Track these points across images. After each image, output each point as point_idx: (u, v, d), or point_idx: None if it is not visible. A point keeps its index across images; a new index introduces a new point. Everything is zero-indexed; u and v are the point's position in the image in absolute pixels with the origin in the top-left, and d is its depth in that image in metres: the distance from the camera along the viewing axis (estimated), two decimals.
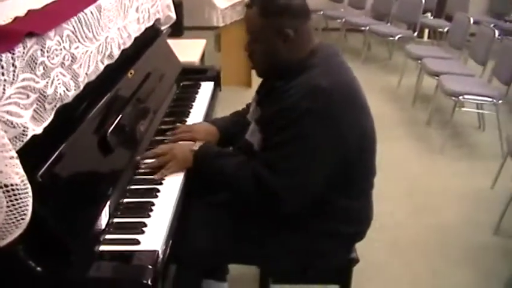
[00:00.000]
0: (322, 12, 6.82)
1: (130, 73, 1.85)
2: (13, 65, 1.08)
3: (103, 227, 1.40)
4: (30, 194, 1.02)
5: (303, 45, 1.65)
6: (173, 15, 2.55)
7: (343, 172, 1.63)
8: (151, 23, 2.26)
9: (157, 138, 1.96)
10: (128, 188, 1.62)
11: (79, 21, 1.45)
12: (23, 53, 1.13)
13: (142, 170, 1.73)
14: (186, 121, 2.16)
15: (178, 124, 2.07)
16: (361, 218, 1.80)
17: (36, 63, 1.18)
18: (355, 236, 1.82)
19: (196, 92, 2.48)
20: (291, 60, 1.64)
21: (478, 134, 4.51)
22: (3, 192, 0.97)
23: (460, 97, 4.00)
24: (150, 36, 2.28)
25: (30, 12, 1.39)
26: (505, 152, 3.84)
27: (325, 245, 1.75)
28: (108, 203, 1.45)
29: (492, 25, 4.97)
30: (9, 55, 1.07)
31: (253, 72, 5.17)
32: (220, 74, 2.69)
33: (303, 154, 1.55)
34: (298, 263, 1.81)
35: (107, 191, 1.48)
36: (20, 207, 0.99)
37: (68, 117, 1.40)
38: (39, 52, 1.20)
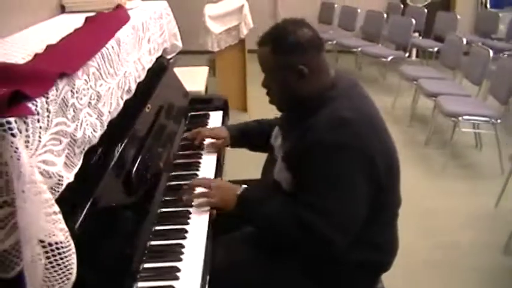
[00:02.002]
0: None
1: (148, 107, 1.78)
2: (47, 109, 1.01)
3: (135, 274, 1.31)
4: (74, 250, 0.94)
5: (319, 78, 1.63)
6: (179, 44, 2.50)
7: (375, 201, 1.59)
8: (160, 53, 2.20)
9: (174, 173, 1.88)
10: (154, 229, 1.54)
11: (102, 57, 1.38)
12: (56, 96, 1.06)
13: (165, 209, 1.65)
14: (201, 155, 2.08)
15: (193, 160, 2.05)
16: (388, 247, 1.76)
17: (67, 106, 1.11)
18: (382, 266, 1.77)
19: (207, 123, 2.42)
20: (310, 93, 1.61)
21: (476, 154, 4.52)
22: (48, 252, 0.88)
23: (460, 118, 4.00)
24: (158, 67, 2.22)
25: (49, 47, 1.32)
26: (505, 170, 3.85)
27: (354, 276, 1.70)
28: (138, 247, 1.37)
29: (480, 43, 5.02)
30: (44, 99, 1.00)
31: (249, 96, 5.14)
32: (228, 103, 2.63)
33: (339, 189, 1.51)
34: None
35: (136, 235, 1.40)
36: (65, 266, 0.91)
37: (92, 159, 1.32)
38: (69, 93, 1.13)
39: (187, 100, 2.51)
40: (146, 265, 1.40)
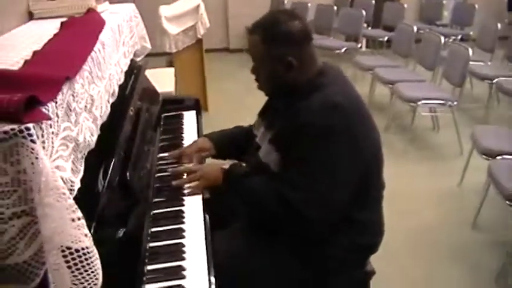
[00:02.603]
0: None
1: (131, 110, 1.76)
2: (57, 114, 0.99)
3: (141, 277, 1.30)
4: (97, 255, 0.93)
5: (308, 68, 1.67)
6: (148, 46, 2.48)
7: (361, 184, 1.64)
8: (132, 56, 2.18)
9: (160, 175, 1.88)
10: (150, 231, 1.53)
11: (93, 61, 1.36)
12: (62, 100, 1.04)
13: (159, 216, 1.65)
14: None
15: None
16: (376, 229, 1.81)
17: (71, 110, 1.09)
18: (371, 248, 1.82)
19: (182, 123, 2.41)
20: (299, 82, 1.65)
21: (434, 136, 4.68)
22: (75, 258, 0.87)
23: (418, 102, 4.13)
24: (131, 69, 2.19)
25: (37, 53, 1.29)
26: (464, 150, 4.02)
27: (344, 259, 1.74)
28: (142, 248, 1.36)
29: (427, 30, 5.20)
30: (54, 104, 0.98)
31: (209, 96, 5.12)
32: (200, 102, 2.63)
33: (324, 169, 1.55)
34: (318, 279, 1.77)
35: (139, 237, 1.39)
36: (93, 271, 0.90)
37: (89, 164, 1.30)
38: (71, 98, 1.11)
39: (159, 101, 2.48)
40: (150, 267, 1.39)
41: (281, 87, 1.68)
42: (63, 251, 0.86)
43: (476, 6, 6.57)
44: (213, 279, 1.38)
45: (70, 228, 0.87)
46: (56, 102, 0.99)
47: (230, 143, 2.07)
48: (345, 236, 1.70)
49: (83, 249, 0.88)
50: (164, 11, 4.41)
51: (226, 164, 1.80)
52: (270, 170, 1.69)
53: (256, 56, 1.68)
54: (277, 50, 1.60)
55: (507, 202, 2.61)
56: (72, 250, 0.87)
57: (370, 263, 1.88)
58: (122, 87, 1.87)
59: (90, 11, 1.88)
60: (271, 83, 1.70)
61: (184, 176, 1.81)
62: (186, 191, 1.75)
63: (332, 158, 1.55)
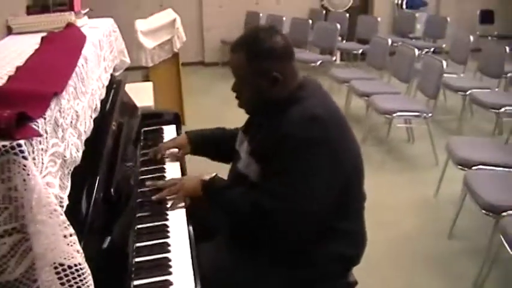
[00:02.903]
0: None
1: (114, 125, 1.76)
2: (46, 130, 0.98)
3: None
4: (89, 271, 0.92)
5: (290, 82, 1.69)
6: (127, 60, 2.48)
7: (342, 195, 1.66)
8: (112, 70, 2.17)
9: (143, 190, 1.86)
10: (136, 246, 1.52)
11: (77, 76, 1.35)
12: (50, 116, 1.03)
13: (143, 225, 1.64)
14: (164, 168, 2.07)
15: (158, 174, 2.03)
16: (358, 240, 1.82)
17: (58, 126, 1.09)
18: (353, 259, 1.84)
19: (162, 138, 2.41)
20: (281, 96, 1.67)
21: (410, 147, 4.76)
22: (68, 275, 0.86)
23: (394, 114, 4.20)
24: (110, 84, 2.18)
25: (21, 69, 1.28)
26: (439, 161, 4.09)
27: (328, 270, 1.76)
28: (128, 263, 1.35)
29: (400, 43, 5.30)
30: (43, 120, 0.97)
31: (186, 110, 5.10)
32: (179, 116, 2.63)
33: (304, 181, 1.57)
34: None
35: (125, 253, 1.38)
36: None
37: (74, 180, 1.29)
38: (58, 114, 1.10)
39: (139, 116, 2.47)
40: (136, 282, 1.37)
41: (265, 103, 1.69)
42: (55, 267, 0.85)
43: (449, 19, 6.73)
44: (198, 281, 1.38)
45: (63, 245, 0.86)
46: (45, 118, 0.99)
47: (208, 143, 2.11)
48: (327, 247, 1.71)
49: (75, 265, 0.88)
50: (140, 25, 4.41)
51: (207, 175, 1.80)
52: (249, 180, 1.70)
53: (239, 73, 1.69)
54: (262, 66, 1.62)
55: (483, 211, 2.66)
56: (65, 266, 0.86)
57: (352, 274, 1.89)
58: (103, 102, 1.86)
59: (70, 25, 1.87)
60: (255, 100, 1.71)
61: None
62: (167, 205, 1.76)
63: (312, 169, 1.57)
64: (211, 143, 2.11)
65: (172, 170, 2.04)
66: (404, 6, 7.99)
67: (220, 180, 1.83)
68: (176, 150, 2.12)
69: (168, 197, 1.78)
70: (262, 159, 1.66)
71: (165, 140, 2.32)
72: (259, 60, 1.61)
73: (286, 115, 1.60)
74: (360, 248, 1.83)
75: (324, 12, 7.67)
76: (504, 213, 2.54)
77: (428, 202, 3.72)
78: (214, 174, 1.80)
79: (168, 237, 1.61)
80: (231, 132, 2.04)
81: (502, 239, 2.38)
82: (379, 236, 3.15)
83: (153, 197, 1.77)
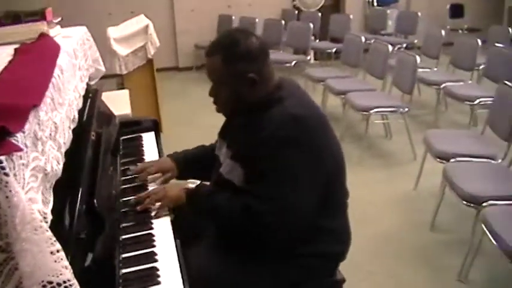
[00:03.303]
0: None
1: (93, 135, 1.73)
2: (26, 145, 0.95)
3: None
4: (79, 287, 0.90)
5: (267, 83, 1.69)
6: (102, 68, 2.44)
7: (325, 193, 1.67)
8: (87, 80, 2.13)
9: (125, 199, 1.84)
10: (122, 257, 1.50)
11: (53, 87, 1.32)
12: (29, 129, 1.00)
13: (127, 235, 1.61)
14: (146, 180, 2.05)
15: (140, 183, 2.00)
16: (343, 237, 1.84)
17: (37, 139, 1.06)
18: (339, 256, 1.85)
19: (142, 145, 2.38)
20: (259, 98, 1.67)
21: (387, 143, 4.80)
22: None
23: (371, 111, 4.23)
24: (87, 93, 2.14)
25: None
26: (417, 155, 4.13)
27: (313, 268, 1.76)
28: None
29: (373, 40, 5.35)
30: (22, 134, 0.95)
31: (163, 116, 5.04)
32: (158, 123, 2.60)
33: (285, 180, 1.58)
34: None
35: (111, 265, 1.35)
36: None
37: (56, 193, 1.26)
38: (37, 126, 1.08)
39: (117, 124, 2.44)
40: None
41: (243, 105, 1.69)
42: (44, 286, 0.83)
43: (419, 14, 6.81)
44: None
45: (50, 262, 0.84)
46: (24, 132, 0.96)
47: (193, 163, 2.05)
48: (313, 245, 1.72)
49: (64, 282, 0.85)
50: (112, 32, 4.35)
51: (189, 183, 1.80)
52: (234, 186, 1.69)
53: (216, 77, 1.68)
54: (239, 69, 1.62)
55: (464, 203, 2.69)
56: (54, 284, 0.84)
57: (339, 271, 1.90)
58: (81, 112, 1.83)
59: (43, 35, 1.83)
60: (233, 103, 1.71)
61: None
62: (152, 214, 1.74)
63: (294, 168, 1.58)
64: (197, 163, 2.05)
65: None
66: (375, 4, 8.07)
67: (204, 187, 1.83)
68: (159, 174, 2.01)
69: (152, 207, 1.77)
70: (244, 162, 1.66)
71: (145, 158, 2.25)
72: (235, 63, 1.61)
73: (267, 116, 1.60)
74: (345, 245, 1.84)
75: (296, 12, 7.70)
76: (485, 204, 2.58)
77: (409, 196, 3.76)
78: (198, 182, 1.80)
79: (154, 246, 1.59)
80: (213, 147, 2.01)
81: (484, 228, 2.41)
82: (361, 232, 3.15)
83: (138, 207, 1.75)
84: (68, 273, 0.86)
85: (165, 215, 1.75)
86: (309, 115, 1.63)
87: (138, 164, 2.09)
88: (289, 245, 1.67)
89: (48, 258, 0.83)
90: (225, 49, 1.64)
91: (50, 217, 1.03)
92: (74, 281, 0.88)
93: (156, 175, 2.00)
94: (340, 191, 1.79)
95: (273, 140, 1.57)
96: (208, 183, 1.89)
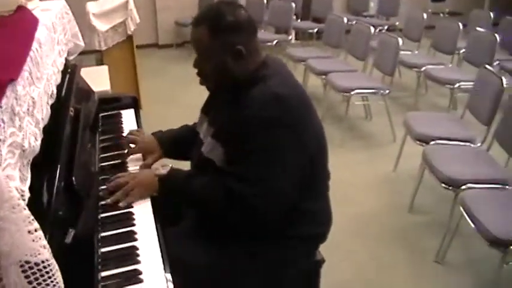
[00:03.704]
0: None
1: (71, 111, 1.68)
2: (3, 120, 0.92)
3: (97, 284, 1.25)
4: (57, 267, 0.87)
5: (254, 58, 1.65)
6: (81, 43, 2.38)
7: (307, 175, 1.66)
8: (66, 54, 2.08)
9: (103, 177, 1.81)
10: (101, 235, 1.47)
11: (31, 61, 1.28)
12: (7, 104, 0.96)
13: (106, 213, 1.59)
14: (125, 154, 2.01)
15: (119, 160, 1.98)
16: (324, 218, 1.84)
17: (15, 114, 1.02)
18: (320, 237, 1.85)
19: (121, 122, 2.34)
20: (244, 73, 1.63)
21: (368, 124, 4.82)
22: (35, 272, 0.81)
23: (352, 92, 4.22)
24: (65, 69, 2.09)
25: None
26: (397, 137, 4.16)
27: (295, 250, 1.76)
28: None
29: (354, 22, 5.33)
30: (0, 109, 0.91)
31: (142, 93, 4.97)
32: (138, 99, 2.56)
33: (270, 161, 1.56)
34: (269, 271, 1.78)
35: (91, 244, 1.33)
36: (54, 285, 0.84)
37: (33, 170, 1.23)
38: (15, 101, 1.04)
39: (96, 101, 2.39)
40: (104, 273, 1.33)
41: (227, 79, 1.65)
42: (22, 265, 0.80)
43: None
44: (168, 276, 1.35)
45: (28, 241, 0.81)
46: (1, 107, 0.92)
47: (179, 143, 2.00)
48: (294, 227, 1.71)
49: (42, 262, 0.83)
50: (92, 7, 4.26)
51: (161, 168, 1.73)
52: (215, 165, 1.66)
53: (202, 48, 1.63)
54: (226, 39, 1.57)
55: (443, 185, 2.72)
56: (32, 264, 0.81)
57: (319, 252, 1.90)
58: (59, 88, 1.78)
59: (21, 8, 1.77)
60: (218, 76, 1.66)
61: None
62: (121, 204, 1.65)
63: (277, 149, 1.56)
64: (183, 143, 1.99)
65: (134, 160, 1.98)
66: None
67: (178, 171, 1.75)
68: (139, 155, 1.97)
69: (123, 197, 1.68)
70: (225, 141, 1.63)
71: (124, 133, 2.19)
72: (222, 33, 1.57)
73: (250, 95, 1.57)
74: (326, 226, 1.84)
75: None
76: (463, 187, 2.61)
77: (389, 178, 3.79)
78: (170, 167, 1.74)
79: (133, 225, 1.56)
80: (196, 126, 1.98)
81: (463, 211, 2.44)
82: (341, 213, 3.15)
83: (108, 200, 1.66)
84: (46, 253, 0.84)
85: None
86: (292, 95, 1.60)
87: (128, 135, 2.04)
88: (271, 227, 1.65)
89: (26, 238, 0.81)
90: (212, 19, 1.59)
91: (27, 195, 1.00)
92: (52, 261, 0.86)
93: (138, 155, 1.96)
94: (322, 173, 1.78)
95: (255, 119, 1.54)
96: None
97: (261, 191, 1.55)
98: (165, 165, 1.75)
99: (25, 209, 0.82)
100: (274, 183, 1.57)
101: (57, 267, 0.87)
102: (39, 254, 0.82)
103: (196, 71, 1.70)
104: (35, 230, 0.83)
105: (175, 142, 2.01)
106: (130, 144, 2.00)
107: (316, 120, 1.71)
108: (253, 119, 1.54)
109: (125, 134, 2.20)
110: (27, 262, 0.81)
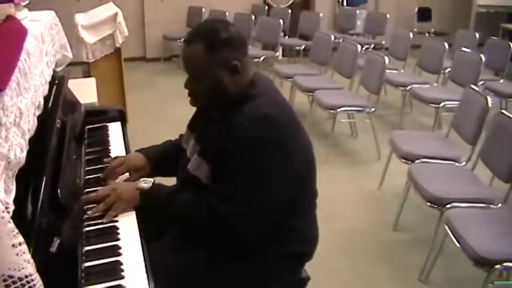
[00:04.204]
0: (183, 40, 6.86)
1: (58, 123, 1.67)
2: None
3: None
4: (41, 282, 0.85)
5: (245, 76, 1.65)
6: (70, 55, 2.38)
7: (295, 194, 1.65)
8: (53, 66, 2.06)
9: (88, 190, 1.79)
10: (85, 249, 1.45)
11: (19, 71, 1.27)
12: None
13: (91, 227, 1.56)
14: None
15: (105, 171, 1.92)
16: (310, 237, 1.82)
17: (1, 125, 1.01)
18: (306, 256, 1.84)
19: (107, 135, 2.33)
20: (236, 90, 1.63)
21: (353, 142, 4.85)
22: (18, 287, 0.79)
23: (338, 110, 4.25)
24: (53, 80, 2.07)
25: None
26: (382, 154, 4.19)
27: (280, 268, 1.74)
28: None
29: (341, 39, 5.37)
30: None
31: (129, 106, 4.94)
32: (124, 113, 2.55)
33: (254, 181, 1.55)
34: None
35: (75, 258, 1.31)
36: None
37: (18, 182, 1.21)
38: (1, 112, 1.02)
39: (82, 113, 2.37)
40: None
41: (221, 96, 1.63)
42: (5, 280, 0.78)
43: (388, 15, 6.89)
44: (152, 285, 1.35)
45: (11, 255, 0.80)
46: None
47: (165, 160, 1.96)
48: (280, 245, 1.70)
49: (26, 276, 0.81)
50: (80, 19, 4.25)
51: (143, 182, 1.71)
52: (200, 183, 1.65)
53: (197, 65, 1.60)
54: (222, 55, 1.57)
55: (428, 204, 2.73)
56: (15, 278, 0.80)
57: (305, 270, 1.89)
58: (46, 99, 1.76)
59: (10, 18, 1.76)
60: (212, 92, 1.63)
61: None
62: (105, 219, 1.62)
63: (264, 169, 1.55)
64: (168, 159, 1.95)
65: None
66: (345, 3, 8.13)
67: (161, 187, 1.73)
68: (127, 174, 1.90)
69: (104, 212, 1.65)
70: (211, 160, 1.62)
71: (111, 148, 2.17)
72: (218, 49, 1.56)
73: (238, 114, 1.56)
74: (312, 245, 1.83)
75: (267, 7, 7.68)
76: (448, 205, 2.62)
77: (373, 195, 3.80)
78: (152, 181, 1.72)
79: (118, 239, 1.54)
80: (180, 143, 1.95)
81: (448, 230, 2.45)
82: (326, 230, 3.14)
83: (88, 212, 1.63)
84: (30, 268, 0.82)
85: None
86: (281, 114, 1.60)
87: (109, 159, 1.97)
88: (255, 245, 1.64)
89: (10, 251, 0.79)
90: (207, 36, 1.58)
91: (12, 207, 0.98)
92: (36, 275, 0.84)
93: (125, 175, 1.90)
94: (309, 192, 1.77)
95: (243, 139, 1.53)
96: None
97: (243, 210, 1.54)
98: (146, 180, 1.72)
99: (10, 222, 0.80)
100: (258, 202, 1.56)
101: (40, 282, 0.86)
102: (22, 268, 0.80)
103: (187, 91, 1.67)
104: (19, 244, 0.81)
105: (162, 158, 1.97)
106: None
107: (304, 137, 1.71)
108: (242, 138, 1.53)
109: (111, 148, 2.19)
110: (11, 277, 0.79)
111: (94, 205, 1.67)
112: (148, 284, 1.37)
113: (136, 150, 2.01)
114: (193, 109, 1.85)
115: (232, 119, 1.57)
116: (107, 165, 1.92)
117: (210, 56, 1.57)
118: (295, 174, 1.62)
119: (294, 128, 1.65)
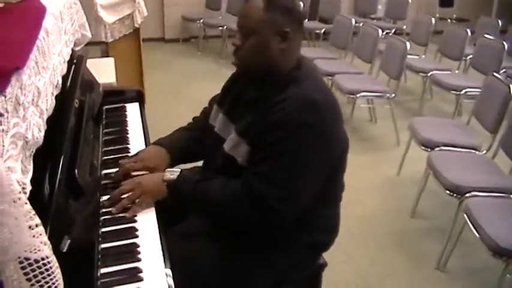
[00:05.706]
0: (202, 21, 6.82)
1: (76, 103, 1.66)
2: (6, 110, 0.89)
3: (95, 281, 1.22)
4: (57, 264, 0.85)
5: (294, 52, 1.62)
6: (89, 34, 2.35)
7: (327, 183, 1.63)
8: (73, 45, 2.05)
9: (107, 171, 1.78)
10: (101, 231, 1.44)
11: (38, 50, 1.25)
12: (11, 94, 0.94)
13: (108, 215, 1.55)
14: (129, 148, 1.99)
15: (122, 154, 1.93)
16: (334, 226, 1.82)
17: (19, 104, 0.99)
18: (326, 245, 1.83)
19: (125, 116, 2.31)
20: (281, 67, 1.60)
21: (372, 127, 4.79)
22: (35, 270, 0.78)
23: (358, 94, 4.19)
24: (71, 59, 2.06)
25: None
26: (401, 141, 4.14)
27: (303, 256, 1.75)
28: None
29: (362, 23, 5.29)
30: (3, 98, 0.88)
31: (147, 87, 4.90)
32: (142, 93, 2.53)
33: (296, 166, 1.52)
34: (276, 278, 1.75)
35: (91, 239, 1.30)
36: (53, 282, 0.81)
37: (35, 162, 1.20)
38: (19, 91, 1.01)
39: (101, 93, 2.36)
40: (103, 270, 1.30)
41: (264, 60, 1.59)
42: (21, 262, 0.77)
43: (410, 0, 6.77)
44: (169, 271, 1.33)
45: (28, 237, 0.78)
46: (5, 96, 0.90)
47: (184, 148, 1.90)
48: (304, 233, 1.69)
49: (42, 259, 0.80)
50: None
51: (168, 172, 1.65)
52: (237, 163, 1.61)
53: (251, 22, 1.57)
54: (278, 18, 1.55)
55: (447, 192, 2.69)
56: (31, 261, 0.79)
57: (322, 256, 1.88)
58: (64, 79, 1.75)
59: None
60: (256, 54, 1.59)
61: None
62: (128, 214, 1.55)
63: (307, 154, 1.52)
64: (186, 149, 1.90)
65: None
66: None
67: (189, 176, 1.67)
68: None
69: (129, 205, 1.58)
70: (253, 140, 1.57)
71: (129, 129, 2.12)
72: (276, 11, 1.55)
73: (283, 96, 1.53)
74: (333, 235, 1.82)
75: None
76: (468, 194, 2.58)
77: (392, 181, 3.77)
78: (179, 171, 1.67)
79: (135, 221, 1.53)
80: (197, 129, 1.93)
81: (466, 219, 2.41)
82: (343, 215, 3.14)
83: (112, 210, 1.56)
84: (46, 250, 0.81)
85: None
86: (325, 101, 1.56)
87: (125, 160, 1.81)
88: (284, 232, 1.63)
89: (26, 233, 0.78)
90: None
91: (29, 188, 0.97)
92: (53, 258, 0.83)
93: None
94: (339, 183, 1.75)
95: (288, 124, 1.50)
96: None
97: (285, 195, 1.52)
98: (172, 171, 1.67)
99: (26, 203, 0.79)
100: (301, 188, 1.54)
101: (57, 264, 0.85)
102: (39, 250, 0.79)
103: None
104: (36, 225, 0.80)
105: (181, 147, 1.89)
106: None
107: (343, 128, 1.67)
108: (287, 121, 1.50)
109: (128, 128, 2.18)
110: (27, 259, 0.78)
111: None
112: (165, 267, 1.36)
113: (153, 143, 1.93)
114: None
115: (276, 102, 1.53)
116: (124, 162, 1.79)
117: (265, 15, 1.55)
118: (332, 161, 1.61)
119: (336, 116, 1.62)
